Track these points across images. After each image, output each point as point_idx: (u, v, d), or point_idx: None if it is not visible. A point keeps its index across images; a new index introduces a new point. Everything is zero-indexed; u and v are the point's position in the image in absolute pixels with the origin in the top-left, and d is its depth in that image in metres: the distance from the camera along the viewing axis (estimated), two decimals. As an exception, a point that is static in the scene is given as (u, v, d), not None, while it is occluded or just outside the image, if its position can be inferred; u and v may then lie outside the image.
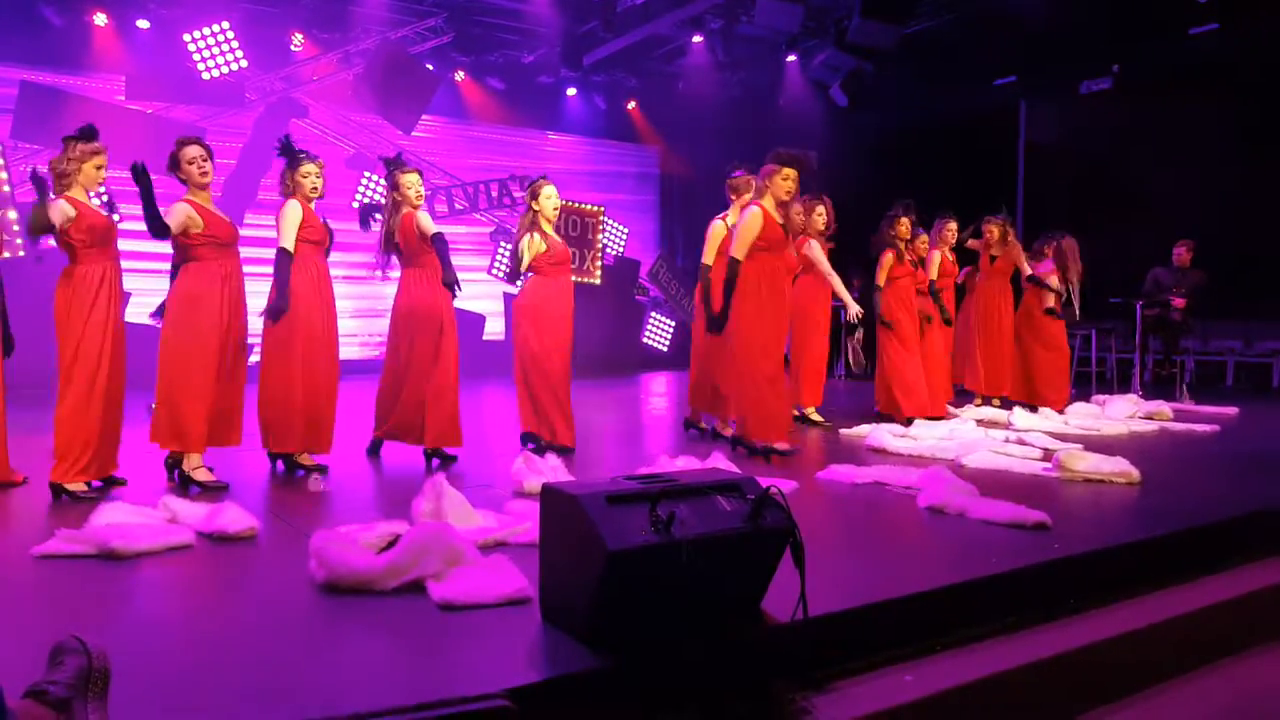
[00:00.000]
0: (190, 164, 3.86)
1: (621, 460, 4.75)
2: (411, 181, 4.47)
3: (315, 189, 4.21)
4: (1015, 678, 2.26)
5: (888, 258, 6.11)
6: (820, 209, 5.88)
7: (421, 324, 4.43)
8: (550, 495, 2.10)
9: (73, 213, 3.55)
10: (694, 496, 2.07)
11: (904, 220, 6.16)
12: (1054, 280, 6.77)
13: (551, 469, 3.73)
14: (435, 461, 4.53)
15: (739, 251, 4.46)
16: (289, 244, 4.10)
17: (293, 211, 4.13)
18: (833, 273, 5.89)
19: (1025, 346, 6.90)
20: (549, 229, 4.76)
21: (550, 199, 4.75)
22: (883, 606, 2.31)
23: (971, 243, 7.08)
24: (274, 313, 4.06)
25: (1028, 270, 6.90)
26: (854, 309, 5.87)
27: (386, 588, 2.34)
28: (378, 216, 4.54)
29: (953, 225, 6.74)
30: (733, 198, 5.36)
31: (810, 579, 2.04)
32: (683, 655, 2.01)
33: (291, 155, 4.22)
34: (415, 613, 2.21)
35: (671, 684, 1.97)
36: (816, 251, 5.88)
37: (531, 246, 4.68)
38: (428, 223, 4.45)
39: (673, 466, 3.75)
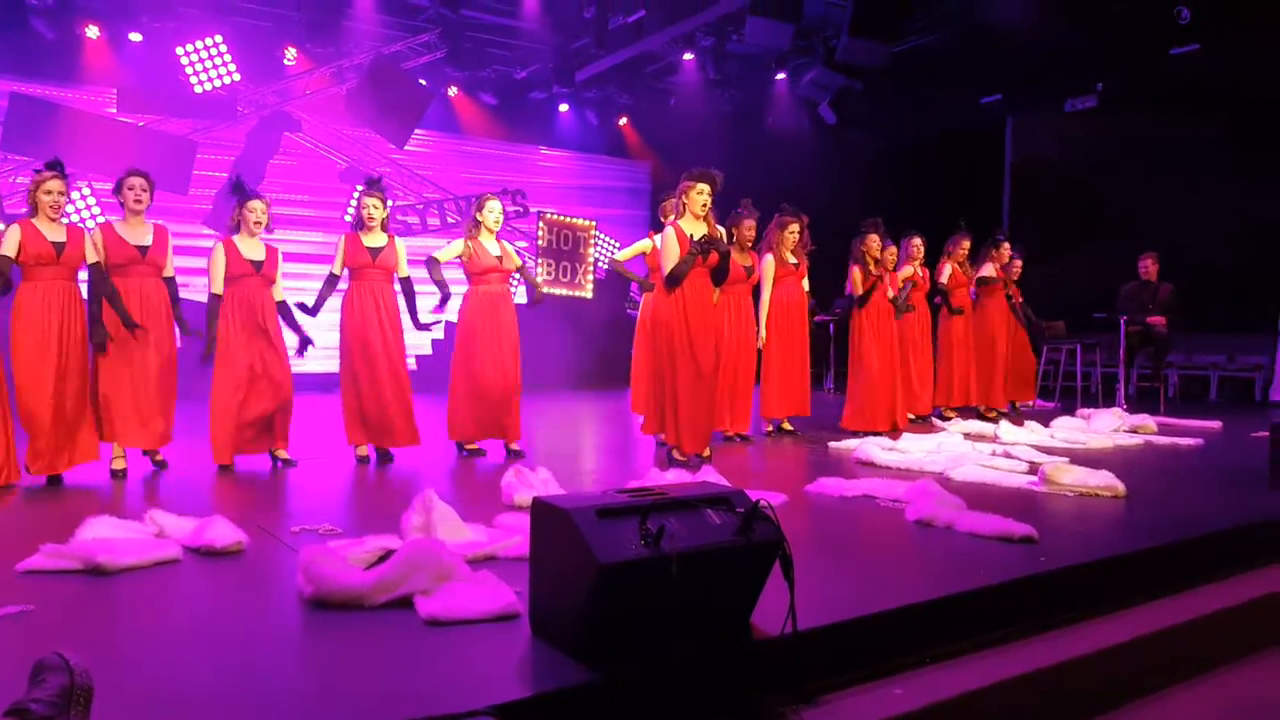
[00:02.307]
0: (129, 190, 4.26)
1: (612, 474, 4.75)
2: (366, 202, 4.86)
3: (260, 223, 4.59)
4: (1004, 690, 2.26)
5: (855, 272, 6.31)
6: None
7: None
8: (540, 509, 2.10)
9: (15, 241, 3.94)
10: (684, 510, 2.07)
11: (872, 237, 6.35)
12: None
13: (542, 482, 3.73)
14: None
15: (669, 268, 4.76)
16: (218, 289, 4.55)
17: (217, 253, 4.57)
18: (765, 295, 5.98)
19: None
20: (488, 240, 5.05)
21: (492, 212, 5.05)
22: (872, 619, 2.31)
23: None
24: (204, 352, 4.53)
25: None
26: (763, 334, 5.96)
27: (375, 603, 2.33)
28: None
29: (917, 241, 6.90)
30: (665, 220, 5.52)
31: (800, 592, 2.05)
32: (673, 669, 2.01)
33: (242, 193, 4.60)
34: (403, 629, 2.20)
35: (661, 698, 1.97)
36: (768, 269, 5.96)
37: (453, 250, 5.04)
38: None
39: (663, 480, 3.75)
